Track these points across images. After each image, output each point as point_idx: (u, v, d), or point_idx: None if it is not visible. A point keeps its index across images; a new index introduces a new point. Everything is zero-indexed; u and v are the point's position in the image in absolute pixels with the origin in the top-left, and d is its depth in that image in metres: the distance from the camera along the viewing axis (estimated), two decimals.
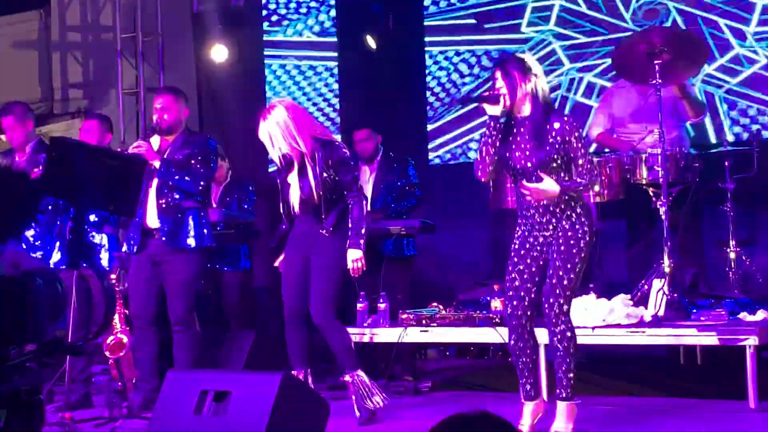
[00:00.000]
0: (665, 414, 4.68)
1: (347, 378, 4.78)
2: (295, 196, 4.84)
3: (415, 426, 4.69)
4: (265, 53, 8.40)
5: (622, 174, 5.68)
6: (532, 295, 4.18)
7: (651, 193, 5.61)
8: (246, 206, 6.70)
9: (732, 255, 5.82)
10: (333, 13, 8.29)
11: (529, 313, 4.20)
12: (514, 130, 4.18)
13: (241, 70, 8.13)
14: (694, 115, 6.06)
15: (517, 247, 4.22)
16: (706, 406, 4.82)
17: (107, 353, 5.28)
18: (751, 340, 4.64)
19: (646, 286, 5.47)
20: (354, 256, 4.79)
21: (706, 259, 6.32)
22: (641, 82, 5.80)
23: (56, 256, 5.39)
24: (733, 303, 5.36)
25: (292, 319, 4.88)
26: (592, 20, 7.37)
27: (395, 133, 6.99)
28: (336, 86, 8.29)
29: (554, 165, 4.10)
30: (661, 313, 5.20)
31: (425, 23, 7.96)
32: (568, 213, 4.12)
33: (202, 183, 5.08)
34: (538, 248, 4.17)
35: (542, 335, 4.35)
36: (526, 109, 4.16)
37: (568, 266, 4.09)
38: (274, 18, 8.43)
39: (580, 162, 4.10)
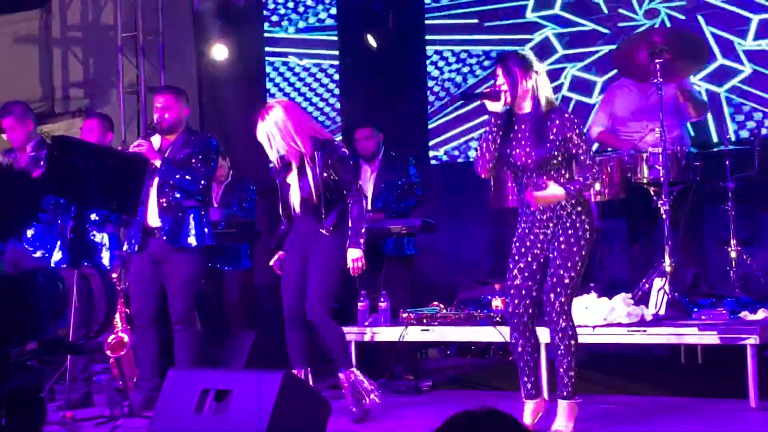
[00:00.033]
0: (666, 413, 4.68)
1: (341, 376, 4.79)
2: (295, 197, 4.85)
3: (416, 425, 4.70)
4: (266, 50, 8.40)
5: (623, 173, 5.69)
6: (534, 293, 4.18)
7: (652, 192, 5.61)
8: (247, 205, 6.70)
9: (733, 254, 5.82)
10: (334, 11, 8.29)
11: (530, 311, 4.20)
12: (515, 127, 4.18)
13: (242, 69, 8.14)
14: (695, 114, 6.07)
15: (517, 245, 4.22)
16: (706, 405, 4.82)
17: (108, 352, 5.28)
18: (752, 339, 4.64)
19: (647, 285, 5.47)
20: (354, 256, 4.80)
21: (707, 258, 6.32)
22: (642, 81, 5.80)
23: (57, 255, 5.40)
24: (734, 302, 5.35)
25: (292, 319, 4.88)
26: (593, 19, 7.37)
27: (396, 132, 6.99)
28: (337, 85, 8.29)
29: (554, 162, 4.10)
30: (662, 312, 5.20)
31: (426, 22, 7.96)
32: (569, 210, 4.12)
33: (202, 182, 5.09)
34: (539, 246, 4.17)
35: (543, 334, 4.35)
36: (527, 106, 4.16)
37: (569, 264, 4.09)
38: (275, 17, 8.43)
39: (582, 158, 4.10)
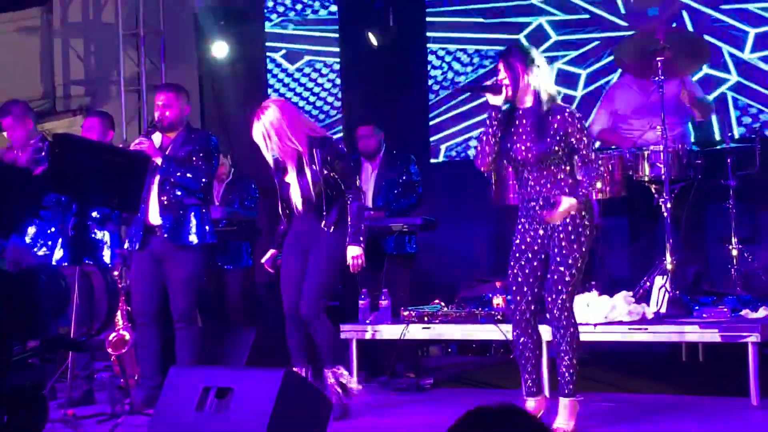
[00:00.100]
0: (667, 411, 4.68)
1: (327, 372, 4.79)
2: (295, 195, 4.85)
3: (416, 422, 4.70)
4: (267, 46, 8.40)
5: (625, 171, 5.68)
6: (535, 290, 4.18)
7: (653, 190, 5.61)
8: (248, 203, 6.70)
9: (734, 252, 5.82)
10: (334, 8, 8.29)
11: (532, 308, 4.20)
12: (516, 122, 4.18)
13: (243, 67, 8.14)
14: (701, 116, 6.09)
15: (518, 241, 4.22)
16: (708, 402, 4.83)
17: (109, 350, 5.29)
18: (753, 337, 4.64)
19: (648, 283, 5.47)
20: (354, 253, 4.81)
21: (708, 256, 6.32)
22: (643, 77, 5.81)
23: (59, 252, 5.39)
24: (735, 300, 5.36)
25: (292, 317, 4.89)
26: (591, 16, 7.37)
27: (397, 129, 6.99)
28: (338, 82, 8.29)
29: (554, 157, 4.10)
30: (663, 310, 5.20)
31: (427, 19, 7.96)
32: None
33: (203, 180, 5.09)
34: (539, 242, 4.17)
35: (545, 331, 4.35)
36: (528, 101, 4.16)
37: (569, 261, 4.09)
38: (275, 16, 8.43)
39: (583, 153, 4.10)
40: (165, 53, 8.12)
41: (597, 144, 6.28)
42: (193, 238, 5.04)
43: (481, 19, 7.76)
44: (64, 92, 8.69)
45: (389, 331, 5.49)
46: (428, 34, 7.96)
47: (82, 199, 2.84)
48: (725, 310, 5.12)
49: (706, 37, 6.67)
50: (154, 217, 5.06)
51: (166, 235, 5.02)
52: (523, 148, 4.14)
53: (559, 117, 4.11)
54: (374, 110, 7.35)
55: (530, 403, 4.25)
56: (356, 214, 4.83)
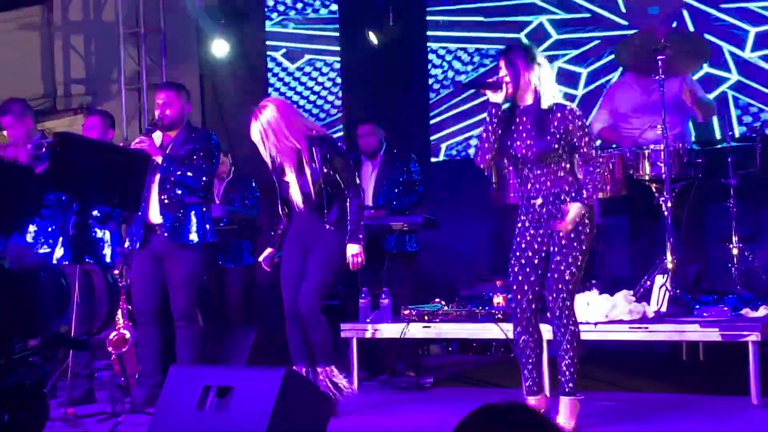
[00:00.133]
0: (667, 410, 4.68)
1: (319, 369, 4.79)
2: (296, 194, 4.85)
3: (417, 421, 4.70)
4: (268, 45, 8.40)
5: (625, 170, 5.68)
6: (536, 288, 4.18)
7: (654, 189, 5.61)
8: (249, 202, 6.70)
9: (735, 251, 5.82)
10: (335, 7, 8.29)
11: (533, 306, 4.20)
12: (517, 119, 4.18)
13: (243, 65, 8.14)
14: (702, 116, 6.09)
15: (518, 239, 4.22)
16: (708, 402, 4.83)
17: (110, 349, 5.29)
18: (754, 336, 4.64)
19: (648, 282, 5.47)
20: (353, 251, 4.81)
21: (708, 255, 6.32)
22: (644, 76, 5.81)
23: (59, 251, 5.39)
24: (735, 299, 5.35)
25: (293, 317, 4.89)
26: (592, 15, 7.37)
27: (397, 128, 6.99)
28: (338, 81, 8.29)
29: (554, 155, 4.10)
30: (663, 309, 5.20)
31: (428, 18, 7.96)
32: (568, 204, 4.11)
33: (204, 179, 5.08)
34: (539, 239, 4.17)
35: (546, 331, 4.35)
36: (529, 99, 4.16)
37: (570, 260, 4.09)
38: (275, 15, 8.43)
39: (584, 150, 4.10)
40: (165, 52, 8.13)
41: (598, 142, 6.28)
42: (194, 237, 5.04)
43: (481, 18, 7.76)
44: (65, 91, 8.70)
45: (390, 330, 5.49)
46: (429, 33, 7.95)
47: (82, 197, 2.84)
48: (726, 309, 5.12)
49: (707, 36, 6.67)
50: (155, 215, 5.06)
51: (166, 234, 5.02)
52: (523, 145, 4.14)
53: (559, 114, 4.11)
54: (375, 109, 7.35)
55: (531, 402, 4.24)
56: (356, 212, 4.83)
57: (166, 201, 5.03)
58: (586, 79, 7.35)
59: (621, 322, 5.03)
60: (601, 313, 5.03)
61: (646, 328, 4.96)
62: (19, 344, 2.61)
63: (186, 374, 4.01)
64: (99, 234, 5.48)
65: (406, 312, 5.50)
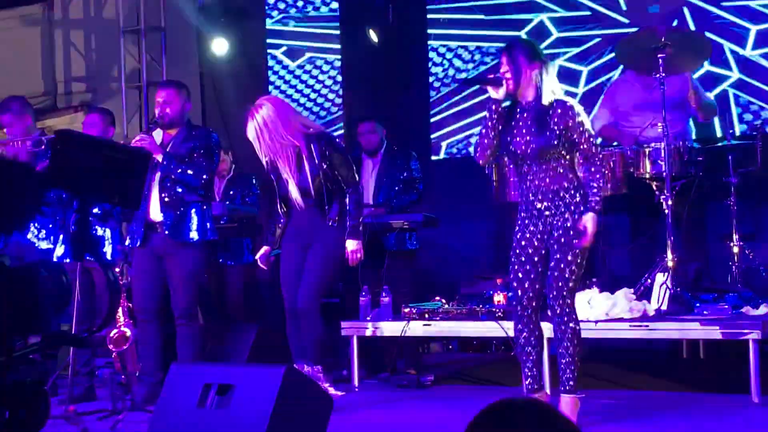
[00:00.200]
0: (668, 408, 4.68)
1: (306, 367, 4.79)
2: (294, 191, 4.85)
3: (417, 419, 4.70)
4: (268, 43, 8.40)
5: (626, 168, 5.68)
6: (536, 286, 4.18)
7: (654, 187, 5.61)
8: (249, 200, 6.70)
9: (735, 249, 5.81)
10: (335, 5, 8.29)
11: (534, 304, 4.20)
12: (517, 116, 4.18)
13: (243, 64, 8.14)
14: (704, 118, 6.10)
15: (518, 237, 4.22)
16: (708, 400, 4.83)
17: (111, 346, 5.29)
18: (754, 334, 4.64)
19: (649, 280, 5.47)
20: (352, 247, 4.82)
21: (709, 253, 6.32)
22: (645, 74, 5.81)
23: (60, 249, 5.40)
24: (736, 297, 5.35)
25: (293, 314, 4.89)
26: (592, 13, 7.37)
27: (398, 126, 7.00)
28: (339, 79, 8.28)
29: (554, 151, 4.10)
30: (664, 307, 5.20)
31: (428, 16, 7.96)
32: (567, 201, 4.11)
33: (204, 176, 5.09)
34: (539, 236, 4.17)
35: (547, 329, 4.35)
36: (530, 95, 4.16)
37: (569, 258, 4.09)
38: (276, 13, 8.43)
39: (584, 147, 4.10)
40: (166, 49, 8.13)
41: (599, 140, 6.28)
42: (194, 235, 5.04)
43: (482, 16, 7.76)
44: (65, 89, 8.70)
45: (390, 328, 5.49)
46: (429, 31, 7.95)
47: (83, 195, 2.84)
48: (726, 307, 5.11)
49: (707, 34, 6.67)
50: (155, 213, 5.06)
51: (167, 232, 5.02)
52: (522, 142, 4.14)
53: (559, 111, 4.10)
54: (375, 107, 7.35)
55: None
56: (355, 207, 4.84)
57: (166, 199, 5.04)
58: (587, 77, 7.35)
59: (621, 320, 5.03)
60: (601, 311, 5.03)
61: (647, 326, 4.96)
62: (19, 341, 2.61)
63: (187, 372, 4.01)
64: (100, 232, 5.48)
65: (407, 310, 5.50)
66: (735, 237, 5.82)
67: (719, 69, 6.94)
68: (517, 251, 4.21)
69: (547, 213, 4.14)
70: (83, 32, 8.71)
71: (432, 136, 7.91)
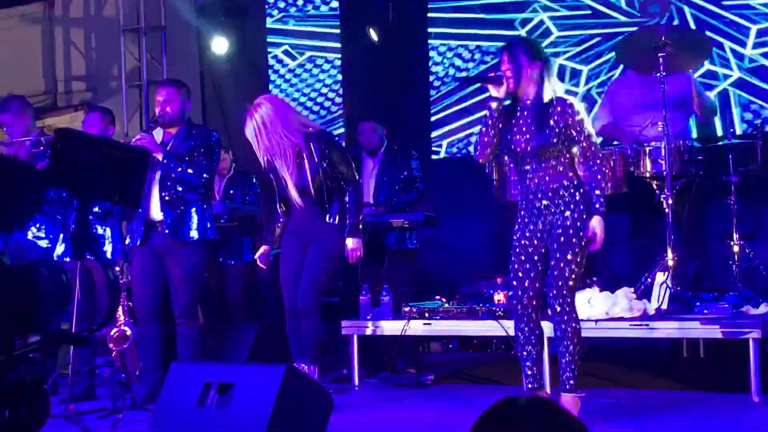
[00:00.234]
0: (668, 407, 4.68)
1: (303, 366, 4.79)
2: (294, 190, 4.86)
3: (417, 417, 4.70)
4: (268, 42, 8.40)
5: (626, 167, 5.68)
6: (536, 284, 4.18)
7: (654, 186, 5.61)
8: (249, 199, 6.70)
9: (735, 248, 5.81)
10: (335, 4, 8.28)
11: (534, 302, 4.20)
12: (518, 114, 4.18)
13: (244, 62, 8.14)
14: (705, 119, 6.10)
15: (518, 236, 4.22)
16: (708, 399, 4.83)
17: (111, 345, 5.29)
18: (754, 334, 4.64)
19: (649, 280, 5.47)
20: (352, 245, 4.82)
21: (709, 252, 6.32)
22: (645, 73, 5.81)
23: (60, 248, 5.40)
24: (736, 296, 5.35)
25: (292, 313, 4.89)
26: (592, 12, 7.37)
27: (398, 125, 6.99)
28: (339, 78, 8.28)
29: (553, 149, 4.10)
30: (664, 306, 5.20)
31: (429, 15, 7.96)
32: (567, 199, 4.11)
33: (205, 175, 5.09)
34: (539, 235, 4.17)
35: (547, 327, 4.35)
36: (530, 94, 4.16)
37: (569, 257, 4.09)
38: (276, 12, 8.42)
39: (584, 145, 4.10)
40: (166, 48, 8.13)
41: (599, 140, 6.28)
42: (194, 234, 5.05)
43: (482, 15, 7.75)
44: (66, 88, 8.70)
45: (390, 327, 5.49)
46: (429, 29, 7.95)
47: (83, 193, 2.84)
48: (726, 306, 5.11)
49: (708, 33, 6.66)
50: (156, 212, 5.06)
51: (167, 231, 5.02)
52: (522, 140, 4.14)
53: (559, 108, 4.11)
54: (375, 106, 7.35)
55: None
56: (354, 205, 4.85)
57: (166, 198, 5.04)
58: (586, 77, 7.34)
59: (622, 319, 5.03)
60: (601, 311, 5.03)
61: (647, 325, 4.96)
62: (19, 340, 2.61)
63: (187, 371, 4.02)
64: (100, 231, 5.48)
65: (407, 309, 5.50)
66: (735, 236, 5.81)
67: (720, 68, 6.93)
68: (517, 250, 4.21)
69: (546, 211, 4.14)
70: (83, 31, 8.71)
71: (432, 134, 7.91)
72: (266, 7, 8.45)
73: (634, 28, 6.83)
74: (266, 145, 4.80)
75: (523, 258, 4.19)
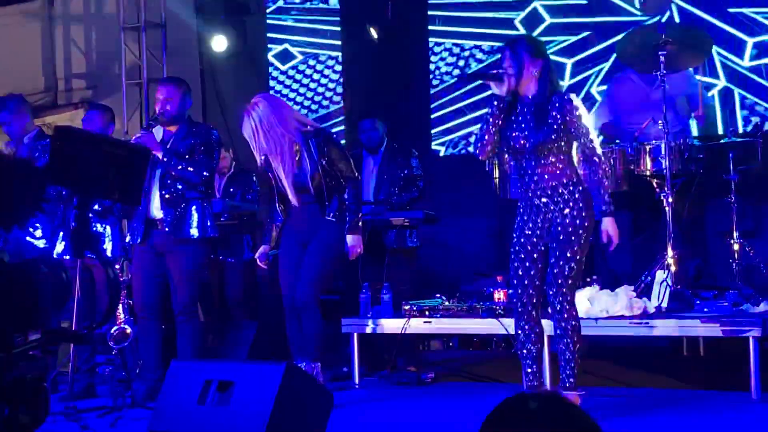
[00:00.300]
0: (668, 405, 4.68)
1: (302, 365, 4.79)
2: (292, 188, 4.86)
3: (418, 416, 4.70)
4: (269, 37, 8.39)
5: (626, 165, 5.68)
6: (537, 282, 4.18)
7: (655, 185, 5.61)
8: (249, 197, 6.70)
9: (735, 246, 5.81)
10: (335, 1, 8.27)
11: (534, 300, 4.20)
12: (518, 111, 4.19)
13: (244, 60, 8.13)
14: (703, 120, 6.10)
15: (518, 233, 4.22)
16: (708, 397, 4.83)
17: (111, 343, 5.29)
18: (754, 332, 4.64)
19: (649, 278, 5.47)
20: (352, 242, 4.82)
21: (709, 250, 6.32)
22: (645, 71, 5.80)
23: (60, 246, 5.40)
24: (736, 294, 5.35)
25: (292, 311, 4.89)
26: (587, 2, 7.35)
27: (398, 123, 6.99)
28: (339, 76, 8.27)
29: (553, 146, 4.10)
30: (664, 304, 5.20)
31: (429, 13, 7.95)
32: (566, 197, 4.12)
33: (205, 173, 5.09)
34: (539, 233, 4.17)
35: (547, 326, 4.35)
36: (531, 91, 4.16)
37: (569, 255, 4.09)
38: (276, 9, 8.41)
39: (582, 141, 4.11)
40: (166, 46, 8.12)
41: (600, 138, 6.27)
42: (195, 232, 5.05)
43: (482, 14, 7.74)
44: (66, 85, 8.70)
45: (390, 325, 5.49)
46: (429, 27, 7.94)
47: (83, 191, 2.84)
48: (726, 304, 5.12)
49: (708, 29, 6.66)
50: (156, 210, 5.06)
51: (167, 229, 5.02)
52: (522, 136, 4.15)
53: (558, 105, 4.11)
54: (376, 104, 7.34)
55: None
56: (354, 202, 4.85)
57: (167, 196, 5.04)
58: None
59: (622, 317, 5.03)
60: (602, 309, 5.03)
61: (647, 323, 4.96)
62: (19, 338, 2.61)
63: (187, 368, 4.02)
64: (100, 228, 5.48)
65: (407, 307, 5.50)
66: (735, 234, 5.81)
67: (720, 67, 6.92)
68: (517, 248, 4.21)
69: (546, 209, 4.14)
70: (83, 28, 8.71)
71: (432, 132, 7.90)
72: (267, 4, 8.43)
73: (629, 18, 6.80)
74: (263, 143, 4.80)
75: (522, 256, 4.19)
